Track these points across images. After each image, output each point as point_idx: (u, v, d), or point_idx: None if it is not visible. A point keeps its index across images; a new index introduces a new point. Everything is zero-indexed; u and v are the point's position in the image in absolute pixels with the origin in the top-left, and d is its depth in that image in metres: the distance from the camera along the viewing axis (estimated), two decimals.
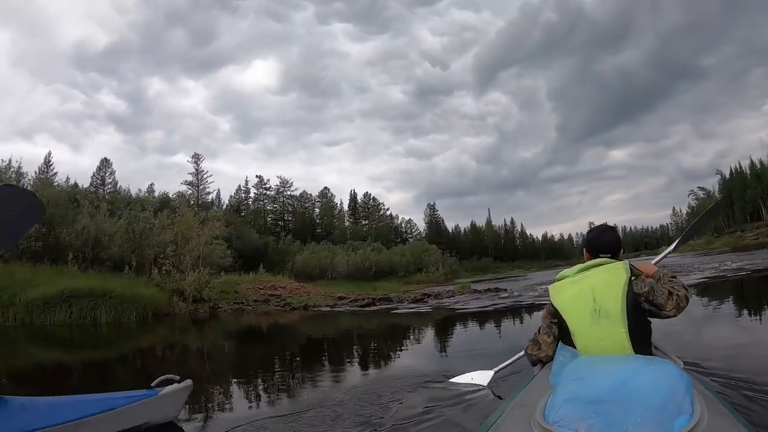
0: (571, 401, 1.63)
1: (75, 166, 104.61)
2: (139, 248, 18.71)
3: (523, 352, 3.12)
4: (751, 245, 44.06)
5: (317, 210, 77.93)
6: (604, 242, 2.62)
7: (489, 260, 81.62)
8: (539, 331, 2.67)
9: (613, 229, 2.77)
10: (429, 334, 9.53)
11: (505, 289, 18.44)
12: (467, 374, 4.14)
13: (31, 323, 12.33)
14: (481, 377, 4.03)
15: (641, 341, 2.22)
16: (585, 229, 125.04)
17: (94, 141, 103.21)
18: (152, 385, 3.45)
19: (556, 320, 2.49)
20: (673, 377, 1.66)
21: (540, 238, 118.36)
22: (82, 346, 9.98)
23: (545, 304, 2.90)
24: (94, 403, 3.17)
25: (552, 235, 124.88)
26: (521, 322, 9.61)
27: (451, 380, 4.18)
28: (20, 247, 16.14)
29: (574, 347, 2.30)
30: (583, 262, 2.56)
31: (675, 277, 2.51)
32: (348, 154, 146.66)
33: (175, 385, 3.49)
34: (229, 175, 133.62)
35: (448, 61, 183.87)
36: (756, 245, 42.22)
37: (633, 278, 2.33)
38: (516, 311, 11.14)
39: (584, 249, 2.72)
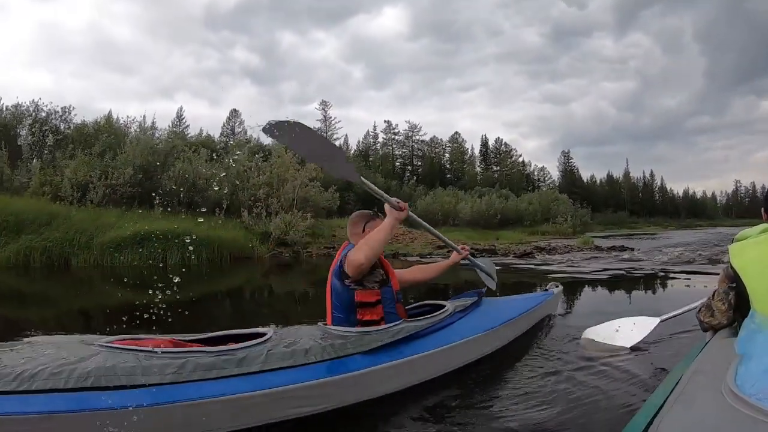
0: None
1: (214, 120, 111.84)
2: (235, 191, 18.38)
3: (692, 305, 3.55)
4: None
5: (447, 155, 76.32)
6: None
7: (624, 214, 74.98)
8: (713, 296, 2.43)
9: None
10: None
11: (632, 249, 15.69)
12: (627, 319, 4.04)
13: (102, 265, 12.16)
14: (643, 326, 3.93)
15: None
16: (731, 188, 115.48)
17: (231, 95, 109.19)
18: (546, 288, 5.15)
19: (734, 284, 2.25)
20: None
21: (681, 194, 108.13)
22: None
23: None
24: (529, 300, 4.57)
25: (694, 192, 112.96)
26: (632, 294, 7.53)
27: (600, 326, 4.07)
28: (118, 192, 16.43)
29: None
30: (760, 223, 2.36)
31: None
32: (482, 99, 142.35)
33: (558, 288, 5.17)
34: (363, 122, 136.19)
35: None
36: None
37: None
38: (632, 282, 8.77)
39: (762, 208, 2.50)
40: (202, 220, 14.82)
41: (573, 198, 54.22)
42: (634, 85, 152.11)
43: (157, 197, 15.95)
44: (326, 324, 3.03)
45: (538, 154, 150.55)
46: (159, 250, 12.61)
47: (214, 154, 20.26)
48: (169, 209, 16.40)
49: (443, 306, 3.51)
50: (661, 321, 3.89)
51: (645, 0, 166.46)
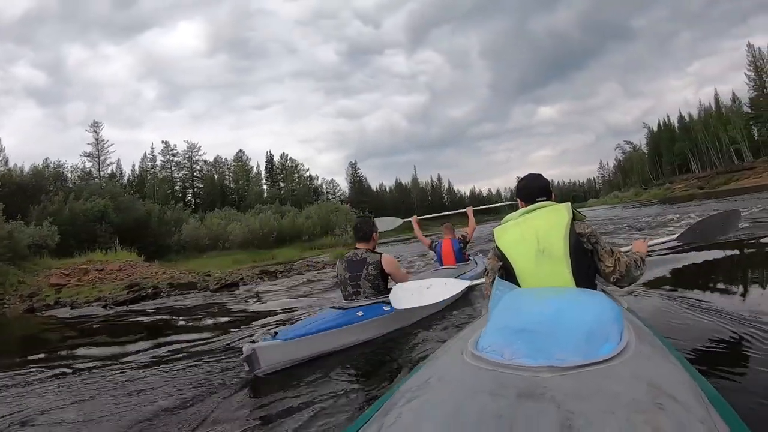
0: (502, 329, 1.66)
1: None
2: None
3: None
4: (681, 197, 47.84)
5: (231, 175, 74.04)
6: (536, 187, 2.67)
7: None
8: (486, 273, 2.71)
9: (541, 175, 2.77)
10: None
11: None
12: (439, 280, 4.41)
13: None
14: (453, 286, 4.25)
15: (585, 279, 2.30)
16: (513, 184, 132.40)
17: (13, 117, 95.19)
18: None
19: (501, 262, 2.52)
20: (602, 306, 1.68)
21: (468, 194, 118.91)
22: None
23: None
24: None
25: (480, 191, 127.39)
26: None
27: (410, 283, 4.51)
28: None
29: (519, 287, 2.29)
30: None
31: (641, 259, 2.60)
32: (278, 116, 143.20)
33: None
34: (154, 144, 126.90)
35: (380, 19, 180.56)
36: (686, 197, 45.57)
37: (575, 221, 2.41)
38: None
39: (518, 198, 2.75)
40: None
41: (362, 207, 55.15)
42: (425, 98, 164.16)
43: None
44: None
45: (333, 167, 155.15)
46: None
47: None
48: None
49: None
50: (469, 286, 4.19)
51: (435, 20, 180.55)
